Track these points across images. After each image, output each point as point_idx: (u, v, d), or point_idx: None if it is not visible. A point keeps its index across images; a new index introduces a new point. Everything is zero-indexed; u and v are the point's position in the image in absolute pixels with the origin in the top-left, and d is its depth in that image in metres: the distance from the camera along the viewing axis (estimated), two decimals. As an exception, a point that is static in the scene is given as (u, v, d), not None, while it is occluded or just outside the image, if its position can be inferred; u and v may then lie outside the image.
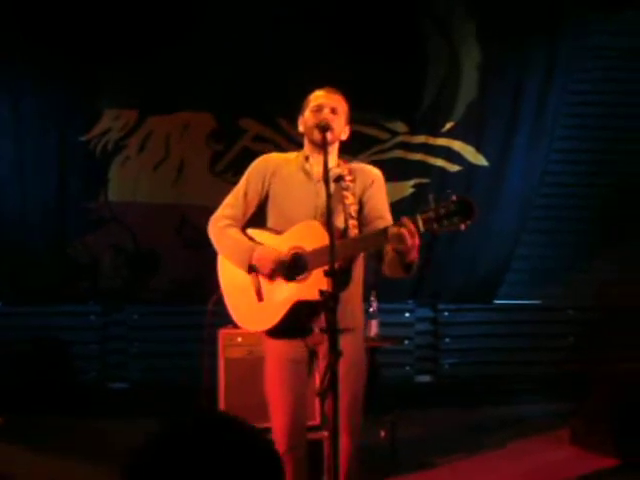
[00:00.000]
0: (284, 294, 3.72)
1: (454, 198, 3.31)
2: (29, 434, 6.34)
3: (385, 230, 3.48)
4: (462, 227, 3.32)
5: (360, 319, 3.97)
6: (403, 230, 3.40)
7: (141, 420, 6.55)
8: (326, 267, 3.32)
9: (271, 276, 3.74)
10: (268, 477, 1.68)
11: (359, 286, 3.90)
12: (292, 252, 3.72)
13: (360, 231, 3.75)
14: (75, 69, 6.89)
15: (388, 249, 3.63)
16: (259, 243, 3.83)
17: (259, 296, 3.79)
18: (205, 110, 7.15)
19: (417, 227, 3.37)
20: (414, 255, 3.53)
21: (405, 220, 3.41)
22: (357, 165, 4.01)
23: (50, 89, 6.95)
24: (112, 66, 6.93)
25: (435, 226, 3.34)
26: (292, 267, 3.71)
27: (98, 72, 6.93)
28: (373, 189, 3.92)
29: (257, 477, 1.66)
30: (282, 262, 3.71)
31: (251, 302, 3.81)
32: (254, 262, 3.76)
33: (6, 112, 6.94)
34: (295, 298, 3.68)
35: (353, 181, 3.85)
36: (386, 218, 3.85)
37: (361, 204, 3.85)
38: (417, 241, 3.43)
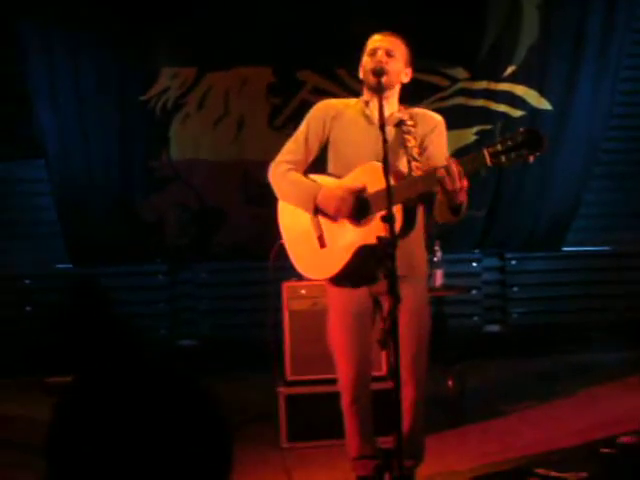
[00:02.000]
0: (347, 239, 3.70)
1: (522, 130, 3.26)
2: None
3: (434, 172, 3.44)
4: (531, 159, 3.26)
5: (422, 267, 3.94)
6: (452, 169, 3.35)
7: (210, 377, 6.70)
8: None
9: (336, 216, 3.71)
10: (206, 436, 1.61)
11: (420, 233, 3.86)
12: (356, 194, 3.68)
13: None
14: (130, 30, 6.90)
15: (437, 192, 3.58)
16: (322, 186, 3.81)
17: (321, 242, 3.78)
18: (263, 64, 7.10)
19: (484, 162, 3.31)
20: (462, 197, 3.48)
21: (452, 162, 3.37)
22: (419, 110, 3.97)
23: (107, 51, 6.98)
24: (167, 25, 6.93)
25: (503, 159, 3.29)
26: (356, 209, 3.68)
27: (153, 31, 6.94)
28: (434, 135, 3.87)
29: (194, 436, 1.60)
30: (347, 200, 3.67)
31: (314, 249, 3.80)
32: (319, 202, 3.73)
33: (66, 76, 6.98)
34: (358, 243, 3.66)
35: (414, 126, 3.81)
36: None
37: (421, 149, 3.80)
38: (465, 183, 3.39)
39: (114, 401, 1.56)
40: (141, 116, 7.12)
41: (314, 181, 3.85)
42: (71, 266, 7.41)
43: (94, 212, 7.19)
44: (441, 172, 3.38)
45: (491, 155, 3.30)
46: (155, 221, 7.29)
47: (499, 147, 3.28)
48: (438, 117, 3.96)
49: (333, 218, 3.72)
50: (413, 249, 3.79)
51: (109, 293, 7.43)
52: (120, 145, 7.14)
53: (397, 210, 3.48)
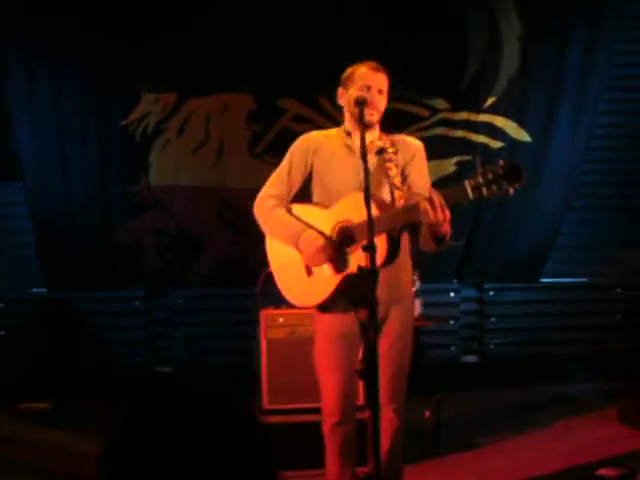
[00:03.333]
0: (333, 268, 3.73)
1: (501, 163, 3.28)
2: (74, 419, 6.38)
3: (416, 205, 3.45)
4: (511, 191, 3.28)
5: (409, 292, 3.99)
6: (434, 202, 3.38)
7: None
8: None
9: (312, 264, 3.78)
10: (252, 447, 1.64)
11: (407, 258, 3.89)
12: (339, 226, 3.71)
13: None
14: (111, 54, 6.89)
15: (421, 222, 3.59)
16: (306, 224, 3.83)
17: (308, 271, 3.81)
18: (244, 91, 7.10)
19: (465, 195, 3.33)
20: (446, 228, 3.52)
21: (435, 194, 3.39)
22: (399, 137, 4.01)
23: (87, 75, 6.96)
24: (148, 50, 6.93)
25: (484, 191, 3.31)
26: (341, 241, 3.71)
27: (134, 56, 6.94)
28: (415, 162, 3.92)
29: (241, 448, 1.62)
30: (326, 251, 3.73)
31: (301, 277, 3.84)
32: (300, 246, 3.79)
33: (46, 101, 6.97)
34: (344, 272, 3.69)
35: (396, 153, 3.83)
36: (425, 192, 3.82)
37: (403, 177, 3.83)
38: (448, 214, 3.41)
39: (170, 426, 1.59)
40: (121, 141, 7.11)
41: (297, 217, 3.89)
42: (46, 290, 7.35)
43: (71, 236, 7.14)
44: (424, 204, 3.40)
45: (472, 187, 3.32)
46: (132, 246, 7.25)
47: (480, 179, 3.30)
48: (418, 143, 4.01)
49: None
50: (399, 275, 3.82)
51: (84, 318, 7.39)
52: (99, 169, 7.12)
53: (382, 239, 3.51)
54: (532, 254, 7.51)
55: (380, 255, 3.43)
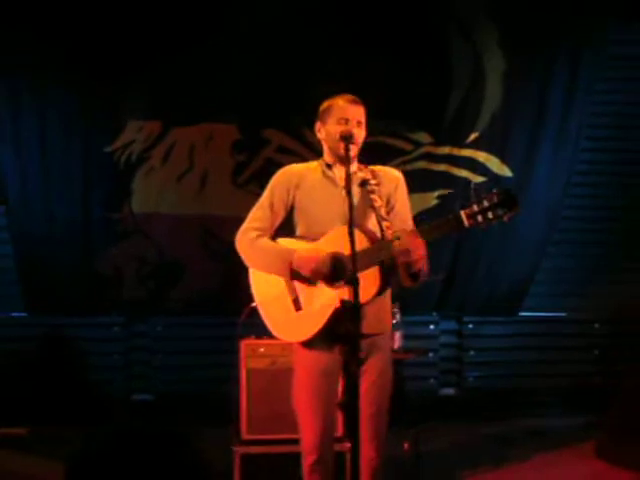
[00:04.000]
0: (323, 301, 3.71)
1: (496, 190, 3.32)
2: (51, 445, 6.34)
3: (390, 242, 3.49)
4: (506, 219, 3.33)
5: (390, 326, 3.98)
6: (404, 243, 3.42)
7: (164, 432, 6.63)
8: (365, 271, 3.35)
9: (313, 278, 3.73)
10: None
11: (389, 293, 3.89)
12: (331, 254, 3.70)
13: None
14: (98, 82, 6.88)
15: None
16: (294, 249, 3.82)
17: (297, 305, 3.78)
18: (229, 121, 7.12)
19: (461, 224, 3.37)
20: (420, 265, 3.56)
21: (402, 234, 3.43)
22: (378, 168, 4.02)
23: (74, 101, 6.95)
24: (134, 78, 6.94)
25: (480, 219, 3.36)
26: (332, 272, 3.69)
27: (120, 84, 6.94)
28: (398, 193, 3.95)
29: None
30: (324, 261, 3.70)
31: (289, 313, 3.80)
32: (295, 265, 3.74)
33: (31, 127, 6.97)
34: (335, 305, 3.66)
35: (378, 184, 3.84)
36: (408, 224, 3.85)
37: (389, 207, 3.85)
38: (422, 253, 3.46)
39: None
40: (105, 167, 7.10)
41: (285, 246, 3.87)
42: (26, 315, 7.32)
43: (52, 261, 7.11)
44: (396, 243, 3.45)
45: (468, 216, 3.37)
46: (113, 273, 7.24)
47: (475, 207, 3.35)
48: (397, 173, 4.03)
49: (309, 281, 3.73)
50: (385, 308, 3.84)
51: (63, 343, 7.36)
52: (82, 195, 7.10)
53: (374, 270, 3.52)
54: (512, 288, 7.55)
55: (373, 287, 3.46)
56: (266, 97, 6.99)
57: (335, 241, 3.70)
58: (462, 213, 3.39)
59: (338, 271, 3.67)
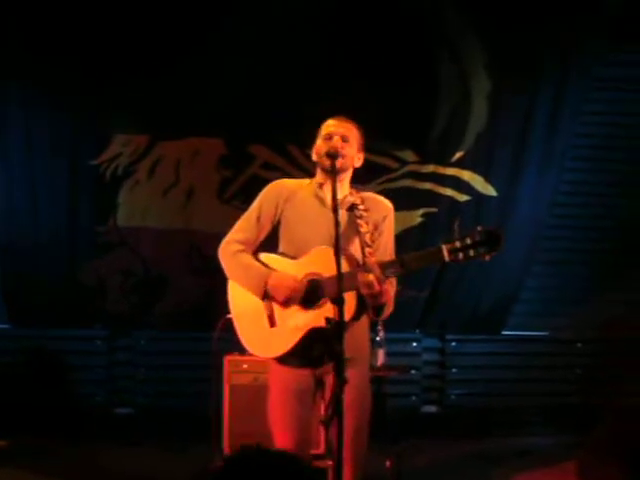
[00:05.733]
0: (298, 320, 3.71)
1: (480, 228, 3.34)
2: (32, 458, 6.31)
3: (355, 273, 3.52)
4: (487, 258, 3.34)
5: (367, 348, 3.97)
6: (370, 276, 3.45)
7: (145, 446, 6.62)
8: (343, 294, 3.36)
9: (286, 304, 3.74)
10: None
11: (367, 315, 3.89)
12: (308, 278, 3.71)
13: None
14: (85, 95, 6.89)
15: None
16: (273, 269, 3.83)
17: (271, 322, 3.78)
18: (215, 136, 7.15)
19: (441, 258, 3.39)
20: (382, 300, 3.60)
21: (373, 266, 3.45)
22: (369, 195, 4.01)
23: (61, 115, 6.96)
24: (122, 92, 6.93)
25: (460, 256, 3.38)
26: (308, 294, 3.70)
27: (108, 97, 6.93)
28: (385, 225, 3.94)
29: None
30: (298, 289, 3.71)
31: (263, 328, 3.80)
32: (269, 289, 3.75)
33: (18, 138, 6.96)
34: (309, 325, 3.67)
35: (367, 210, 3.85)
36: (390, 255, 3.86)
37: (374, 236, 3.84)
38: (385, 287, 3.53)
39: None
40: (91, 180, 7.11)
41: (265, 264, 3.87)
42: (9, 326, 7.30)
43: (37, 273, 7.12)
44: (362, 275, 3.47)
45: (449, 251, 3.38)
46: (97, 286, 7.24)
47: (457, 244, 3.36)
48: (389, 204, 4.01)
49: (282, 304, 3.75)
50: (360, 331, 3.83)
51: (46, 355, 7.34)
52: (68, 208, 7.10)
53: (351, 295, 3.53)
54: (495, 307, 7.59)
55: (348, 311, 3.46)
56: (253, 113, 7.00)
57: (316, 261, 3.71)
58: (444, 247, 3.40)
59: (312, 297, 3.69)
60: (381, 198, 4.04)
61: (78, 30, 6.81)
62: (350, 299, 3.52)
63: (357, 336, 3.75)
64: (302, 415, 3.81)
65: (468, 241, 3.35)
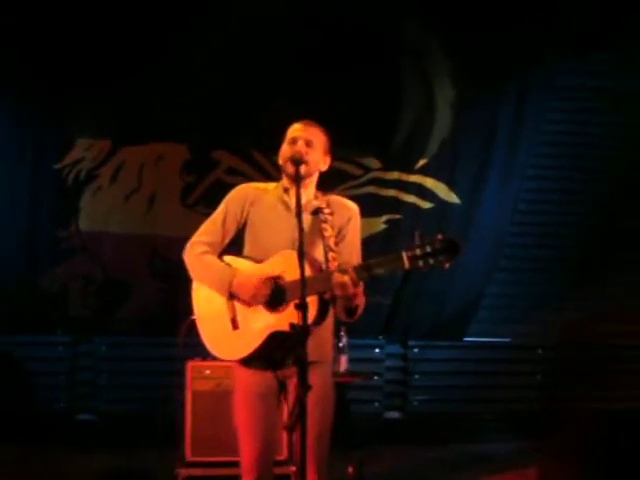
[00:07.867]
0: (261, 323, 3.70)
1: (440, 237, 3.36)
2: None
3: (330, 275, 3.52)
4: (446, 265, 3.36)
5: (330, 353, 3.97)
6: (345, 278, 3.46)
7: (107, 453, 6.57)
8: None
9: (250, 303, 3.73)
10: None
11: (331, 320, 3.89)
12: (272, 281, 3.71)
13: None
14: (48, 99, 6.86)
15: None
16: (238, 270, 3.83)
17: (234, 324, 3.77)
18: (179, 141, 7.14)
19: (402, 265, 3.41)
20: (356, 301, 3.60)
21: (348, 268, 3.46)
22: (335, 198, 4.01)
23: (23, 118, 6.92)
24: (85, 96, 6.90)
25: (421, 263, 3.39)
26: (272, 296, 3.70)
27: (71, 102, 6.90)
28: (350, 226, 3.93)
29: None
30: (264, 289, 3.70)
31: (226, 330, 3.78)
32: (234, 288, 3.73)
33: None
34: (271, 329, 3.66)
35: (332, 214, 3.85)
36: (356, 257, 3.87)
37: (338, 239, 3.85)
38: (358, 289, 3.52)
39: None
40: (53, 184, 7.06)
41: (229, 265, 3.86)
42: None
43: (-3, 279, 7.05)
44: (337, 276, 3.48)
45: (410, 259, 3.39)
46: (58, 291, 7.19)
47: (418, 252, 3.37)
48: (354, 206, 4.01)
49: (247, 304, 3.74)
50: (324, 336, 3.82)
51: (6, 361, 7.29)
52: (29, 211, 7.05)
53: (313, 300, 3.53)
54: (458, 313, 7.62)
55: (310, 316, 3.46)
56: (216, 118, 7.01)
57: (280, 264, 3.70)
58: (404, 255, 3.42)
59: (277, 298, 3.69)
60: (346, 201, 4.04)
61: (41, 34, 6.77)
62: (312, 304, 3.52)
63: (321, 340, 3.75)
64: (267, 417, 3.80)
65: (428, 249, 3.37)
